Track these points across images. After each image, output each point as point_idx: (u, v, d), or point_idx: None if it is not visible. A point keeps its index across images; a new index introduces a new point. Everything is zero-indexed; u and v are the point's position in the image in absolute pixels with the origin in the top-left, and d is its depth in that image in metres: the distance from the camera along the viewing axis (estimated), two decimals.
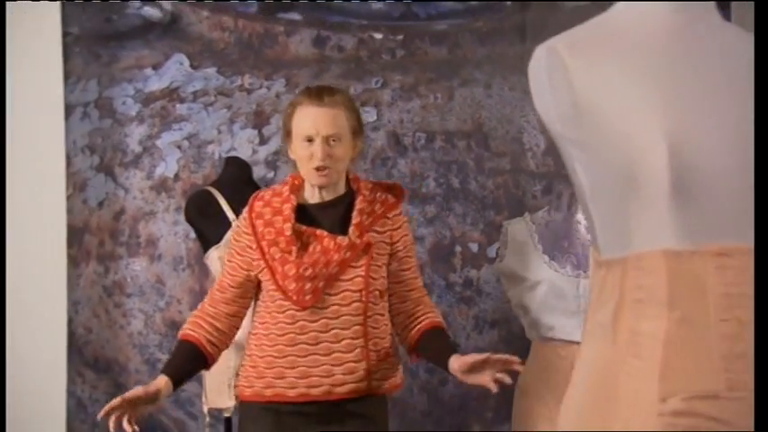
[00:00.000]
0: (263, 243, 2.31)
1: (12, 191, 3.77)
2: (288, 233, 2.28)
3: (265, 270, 2.31)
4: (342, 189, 2.40)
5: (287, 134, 2.39)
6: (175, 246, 4.03)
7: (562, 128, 1.58)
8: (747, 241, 1.51)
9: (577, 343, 2.44)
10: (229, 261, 2.42)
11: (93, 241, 4.13)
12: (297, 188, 2.39)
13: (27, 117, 3.87)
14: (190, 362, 2.37)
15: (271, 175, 4.09)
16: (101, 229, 4.16)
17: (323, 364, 2.29)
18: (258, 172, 3.88)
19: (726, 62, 1.61)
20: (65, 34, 4.13)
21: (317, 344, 2.29)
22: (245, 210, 2.40)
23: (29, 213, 3.86)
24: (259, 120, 4.14)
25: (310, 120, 2.30)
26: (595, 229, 1.61)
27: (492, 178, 4.37)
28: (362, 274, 2.31)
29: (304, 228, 2.31)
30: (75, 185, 4.16)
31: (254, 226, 2.33)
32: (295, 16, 4.25)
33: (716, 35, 1.65)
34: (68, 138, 4.12)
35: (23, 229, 3.82)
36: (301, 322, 2.29)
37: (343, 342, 2.30)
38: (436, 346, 2.43)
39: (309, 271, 2.26)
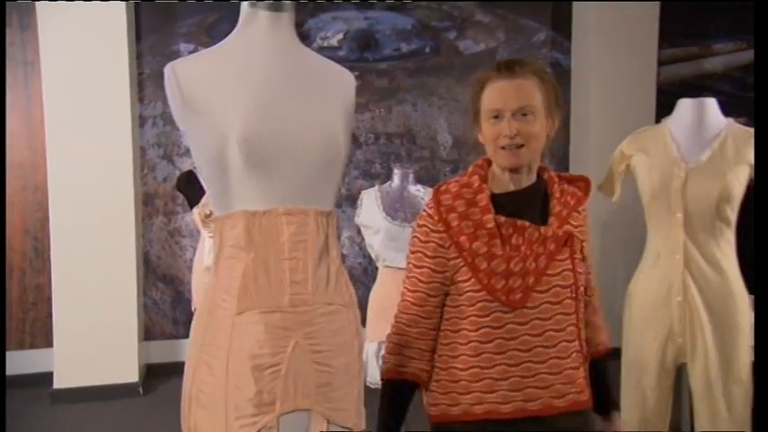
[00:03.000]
0: (462, 239, 1.78)
1: (108, 173, 4.82)
2: (490, 225, 1.77)
3: (464, 269, 1.79)
4: (534, 177, 1.85)
5: (475, 115, 1.85)
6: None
7: (179, 122, 1.77)
8: (306, 205, 1.74)
9: (403, 268, 2.91)
10: (418, 268, 1.85)
11: (160, 203, 5.38)
12: (485, 178, 1.85)
13: (119, 126, 4.87)
14: (404, 405, 1.91)
15: None
16: (165, 195, 5.38)
17: (539, 373, 1.77)
18: None
19: (303, 75, 1.82)
20: (140, 73, 5.26)
21: (530, 350, 1.77)
22: (429, 206, 1.85)
23: (116, 185, 4.88)
24: None
25: (498, 93, 1.77)
26: (211, 194, 1.82)
27: (418, 163, 5.61)
28: (570, 267, 1.80)
29: (503, 219, 1.78)
30: (148, 167, 5.35)
31: (446, 221, 1.80)
32: None
33: (299, 57, 1.85)
34: (143, 138, 5.29)
35: (113, 196, 4.87)
36: (510, 325, 1.77)
37: (559, 345, 1.79)
38: (603, 384, 1.99)
39: (520, 266, 1.76)
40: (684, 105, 2.83)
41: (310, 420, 1.77)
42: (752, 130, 2.74)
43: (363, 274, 5.60)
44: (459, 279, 1.82)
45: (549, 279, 1.79)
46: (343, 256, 5.47)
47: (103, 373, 4.89)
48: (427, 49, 5.76)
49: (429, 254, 1.84)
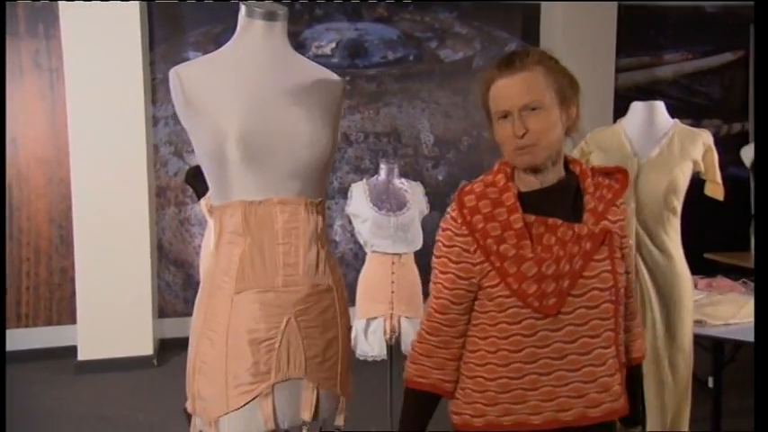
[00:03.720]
0: (489, 241, 1.49)
1: (125, 168, 4.83)
2: (518, 225, 1.47)
3: (492, 273, 1.50)
4: (562, 171, 1.54)
5: (486, 116, 1.56)
6: None
7: (183, 121, 1.76)
8: (298, 195, 1.74)
9: (389, 253, 3.26)
10: (443, 274, 1.55)
11: (172, 195, 5.37)
12: (510, 176, 1.54)
13: (134, 126, 4.87)
14: (426, 412, 1.61)
15: None
16: (176, 188, 5.38)
17: (572, 382, 1.49)
18: None
19: (295, 78, 1.80)
20: (153, 78, 5.23)
21: (563, 357, 1.48)
22: (452, 209, 1.56)
23: (132, 178, 4.88)
24: None
25: (502, 93, 1.47)
26: (211, 186, 1.79)
27: (403, 159, 5.63)
28: (609, 268, 1.48)
29: (533, 218, 1.48)
30: (161, 163, 5.34)
31: (470, 224, 1.51)
32: None
33: (292, 62, 1.85)
34: (156, 136, 5.28)
35: (130, 188, 4.88)
36: (542, 332, 1.47)
37: (594, 353, 1.49)
38: (631, 394, 1.64)
39: (553, 268, 1.45)
40: (637, 107, 2.84)
41: (302, 388, 1.77)
42: (696, 129, 2.79)
43: (354, 259, 5.59)
44: (488, 284, 1.52)
45: (586, 282, 1.47)
46: (336, 242, 5.58)
47: (122, 347, 4.92)
48: (411, 57, 5.78)
49: (453, 259, 1.54)
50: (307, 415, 1.77)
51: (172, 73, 1.73)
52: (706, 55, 6.40)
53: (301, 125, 1.76)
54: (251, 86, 1.74)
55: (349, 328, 1.91)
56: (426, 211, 3.49)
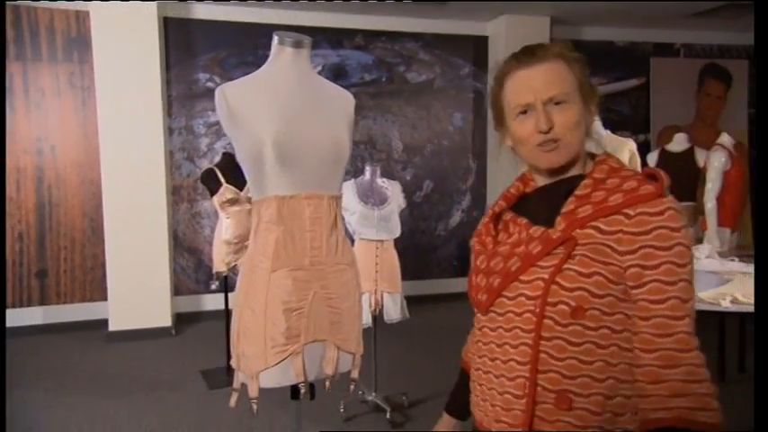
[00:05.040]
0: (487, 239, 1.16)
1: (146, 171, 4.77)
2: (485, 220, 1.18)
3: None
4: (576, 170, 1.08)
5: (497, 119, 1.14)
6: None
7: (227, 130, 1.74)
8: (321, 191, 1.73)
9: (373, 240, 3.25)
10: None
11: (185, 193, 5.31)
12: (529, 178, 1.16)
13: (153, 135, 4.82)
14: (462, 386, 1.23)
15: None
16: (188, 187, 5.32)
17: (492, 388, 1.08)
18: None
19: (317, 94, 1.81)
20: (169, 95, 5.17)
21: (493, 359, 1.08)
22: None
23: (152, 179, 4.82)
24: None
25: (523, 84, 1.07)
26: (249, 183, 1.76)
27: (377, 163, 5.13)
28: (545, 276, 1.00)
29: (509, 216, 1.13)
30: (175, 166, 5.27)
31: (481, 225, 1.19)
32: None
33: (315, 81, 1.85)
34: (172, 144, 5.21)
35: (150, 188, 4.82)
36: (485, 329, 1.11)
37: (510, 363, 1.05)
38: None
39: (501, 266, 1.07)
40: None
41: (325, 348, 1.79)
42: (623, 138, 2.84)
43: None
44: None
45: (519, 285, 1.05)
46: None
47: (145, 319, 4.88)
48: (384, 79, 5.77)
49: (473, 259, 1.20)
50: (330, 369, 1.78)
51: (218, 91, 1.70)
52: (617, 80, 6.53)
53: (324, 133, 1.76)
54: (283, 101, 1.73)
55: (360, 298, 1.92)
56: (403, 205, 3.49)
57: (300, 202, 1.72)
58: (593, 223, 1.01)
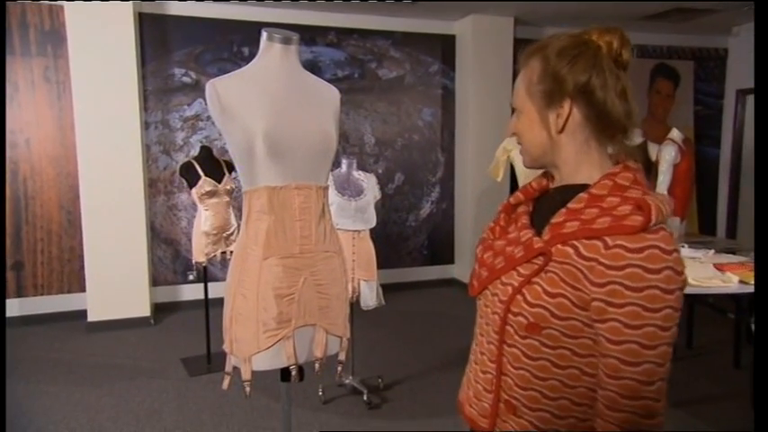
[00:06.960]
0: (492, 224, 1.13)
1: (123, 164, 4.67)
2: (500, 208, 1.13)
3: None
4: (580, 179, 1.00)
5: None
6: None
7: (218, 123, 1.71)
8: (310, 182, 1.74)
9: (350, 230, 3.23)
10: None
11: (161, 186, 5.20)
12: (549, 176, 1.09)
13: (130, 129, 4.69)
14: None
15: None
16: (165, 180, 5.21)
17: (473, 372, 1.10)
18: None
19: (305, 89, 1.81)
20: (144, 90, 5.05)
21: (478, 346, 1.09)
22: None
23: (129, 172, 4.72)
24: None
25: None
26: (241, 174, 1.74)
27: (351, 156, 5.12)
28: (514, 284, 0.98)
29: (522, 209, 1.09)
30: (152, 160, 5.16)
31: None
32: None
33: (303, 77, 1.85)
34: (148, 138, 5.10)
35: (127, 180, 4.72)
36: (477, 315, 1.10)
37: (483, 357, 1.06)
38: None
39: (492, 259, 1.05)
40: None
41: (315, 332, 1.81)
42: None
43: None
44: None
45: (498, 284, 1.03)
46: None
47: (124, 310, 4.80)
48: (356, 75, 5.74)
49: None
50: (319, 352, 1.81)
51: (209, 86, 1.68)
52: None
53: (313, 126, 1.77)
54: (273, 95, 1.73)
55: (347, 284, 1.94)
56: (378, 197, 3.49)
57: (290, 192, 1.72)
58: (575, 242, 0.93)
